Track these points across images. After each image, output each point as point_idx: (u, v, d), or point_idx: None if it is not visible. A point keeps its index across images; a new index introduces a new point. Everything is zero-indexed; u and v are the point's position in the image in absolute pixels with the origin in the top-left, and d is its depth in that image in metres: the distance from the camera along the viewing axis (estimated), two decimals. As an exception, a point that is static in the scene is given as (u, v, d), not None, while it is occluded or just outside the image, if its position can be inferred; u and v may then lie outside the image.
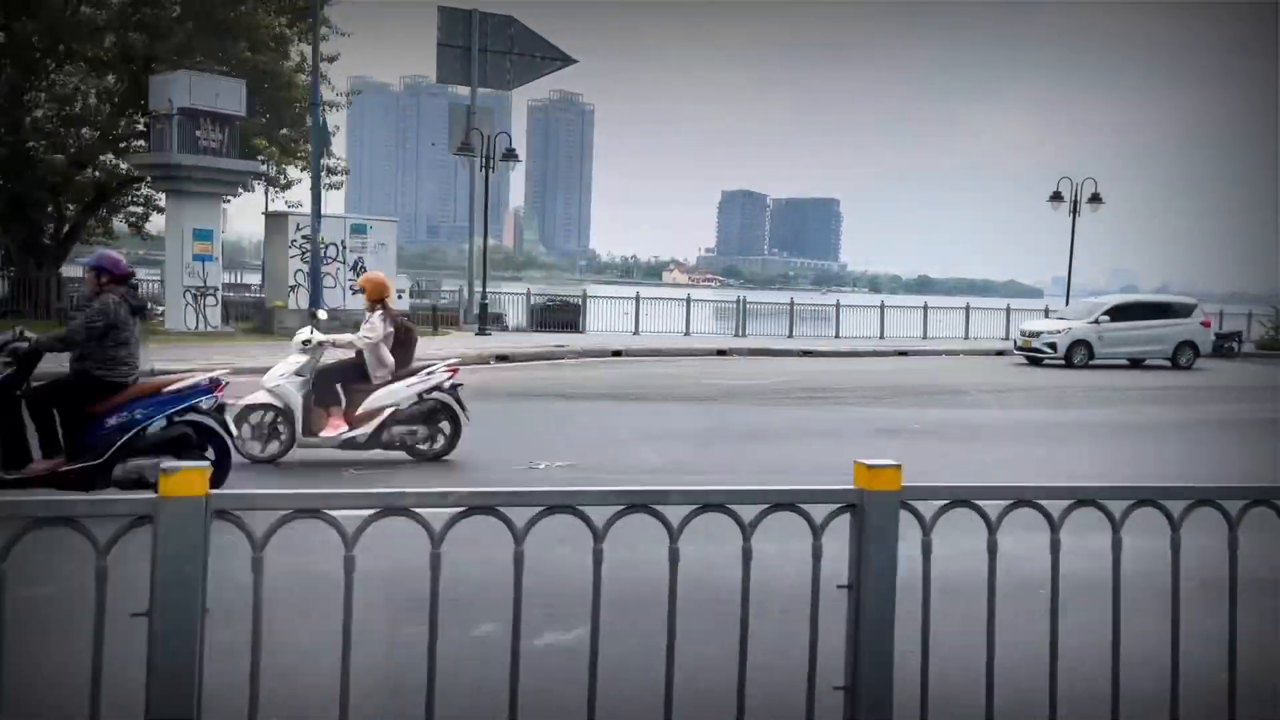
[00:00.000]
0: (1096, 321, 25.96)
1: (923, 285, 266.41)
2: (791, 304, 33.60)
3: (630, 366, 21.79)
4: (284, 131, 27.78)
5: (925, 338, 32.80)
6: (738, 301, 32.94)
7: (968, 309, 34.95)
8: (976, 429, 13.76)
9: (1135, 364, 26.41)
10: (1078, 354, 25.39)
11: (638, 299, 31.34)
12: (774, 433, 13.00)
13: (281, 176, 29.67)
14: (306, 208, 31.11)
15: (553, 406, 15.02)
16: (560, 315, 31.35)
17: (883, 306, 35.18)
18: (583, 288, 43.35)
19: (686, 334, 30.48)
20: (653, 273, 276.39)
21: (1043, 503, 3.09)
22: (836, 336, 32.39)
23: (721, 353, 25.95)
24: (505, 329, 29.86)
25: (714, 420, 13.70)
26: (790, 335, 31.70)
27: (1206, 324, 27.16)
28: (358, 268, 24.68)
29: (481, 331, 26.31)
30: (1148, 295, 30.40)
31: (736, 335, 31.22)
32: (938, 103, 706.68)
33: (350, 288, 24.56)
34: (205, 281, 22.77)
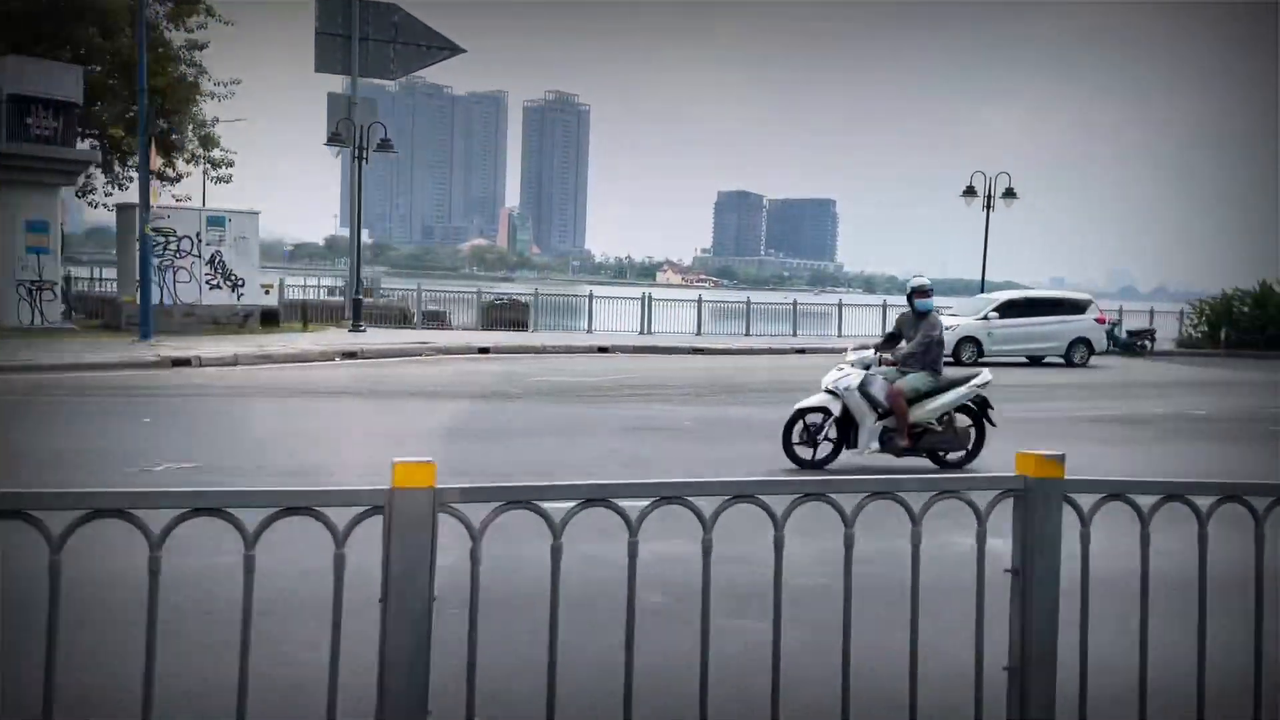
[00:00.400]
0: (985, 319, 25.07)
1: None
2: (748, 304, 33.84)
3: (476, 364, 20.92)
4: (162, 123, 26.92)
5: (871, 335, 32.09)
6: (697, 300, 32.81)
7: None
8: (743, 425, 12.85)
9: (1035, 361, 25.49)
10: (965, 351, 24.46)
11: (591, 297, 31.52)
12: (505, 430, 12.08)
13: (169, 170, 28.82)
14: (196, 202, 30.45)
15: (289, 404, 14.16)
16: (509, 314, 31.34)
17: (840, 305, 35.53)
18: (534, 287, 42.91)
19: (646, 332, 30.07)
20: (647, 273, 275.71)
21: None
22: (794, 335, 32.11)
23: (603, 349, 25.08)
24: (446, 327, 29.78)
25: (452, 419, 12.77)
26: (746, 334, 31.74)
27: (1102, 320, 26.21)
28: (215, 261, 23.80)
29: (355, 328, 25.44)
30: (1041, 291, 29.36)
31: (696, 334, 30.61)
32: (936, 102, 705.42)
33: (207, 282, 23.69)
34: (40, 275, 21.93)
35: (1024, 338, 25.08)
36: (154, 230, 23.09)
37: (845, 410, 9.84)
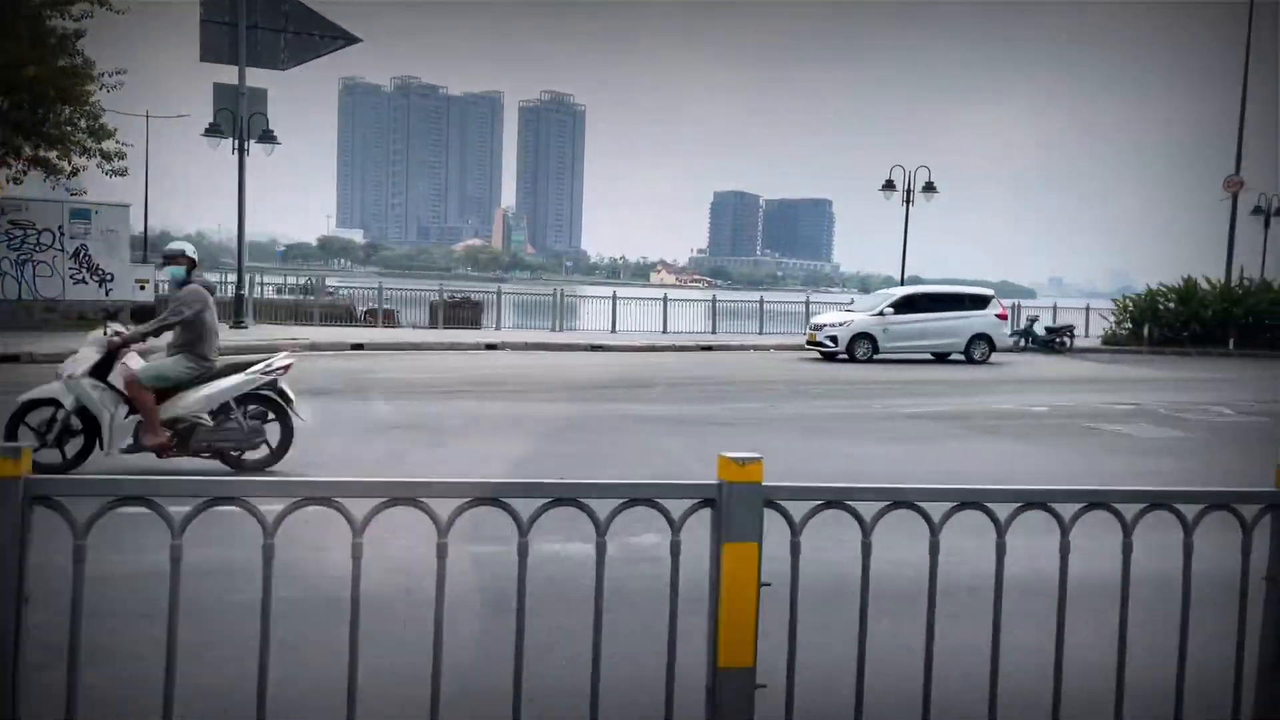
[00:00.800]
0: (881, 314, 24.28)
1: (913, 285, 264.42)
2: (714, 300, 33.89)
3: (331, 360, 20.08)
4: (53, 116, 26.14)
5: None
6: (663, 299, 32.43)
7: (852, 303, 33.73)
8: (508, 421, 12.07)
9: (941, 358, 24.69)
10: (860, 348, 23.71)
11: (558, 295, 31.09)
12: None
13: (65, 164, 28.02)
14: (94, 196, 29.65)
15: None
16: (462, 313, 31.34)
17: (808, 303, 34.79)
18: (497, 286, 42.63)
19: (614, 331, 29.89)
20: (641, 273, 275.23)
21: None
22: (760, 333, 31.68)
23: (491, 346, 24.33)
24: (394, 326, 29.72)
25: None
26: (714, 332, 31.65)
27: (1003, 316, 25.38)
28: (80, 255, 23.06)
29: (238, 324, 24.72)
30: (941, 286, 28.55)
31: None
32: (933, 102, 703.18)
33: (71, 276, 22.95)
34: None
35: (920, 334, 24.28)
36: (11, 223, 22.40)
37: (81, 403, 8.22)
